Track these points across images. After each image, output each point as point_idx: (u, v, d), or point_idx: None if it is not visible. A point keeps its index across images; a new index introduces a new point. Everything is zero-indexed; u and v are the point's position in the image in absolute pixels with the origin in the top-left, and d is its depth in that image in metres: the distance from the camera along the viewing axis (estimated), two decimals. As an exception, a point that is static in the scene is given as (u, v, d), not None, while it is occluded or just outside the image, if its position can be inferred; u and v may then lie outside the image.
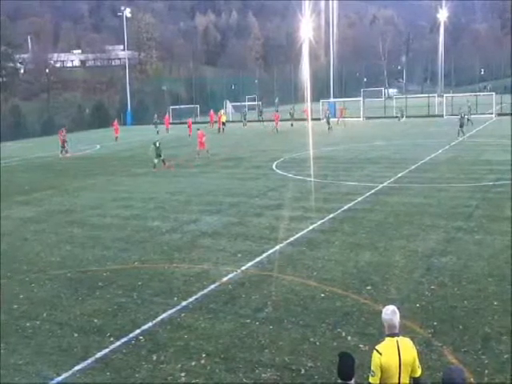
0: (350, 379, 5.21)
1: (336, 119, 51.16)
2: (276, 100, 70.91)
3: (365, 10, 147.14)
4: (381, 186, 21.40)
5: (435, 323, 9.32)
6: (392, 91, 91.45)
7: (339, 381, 5.25)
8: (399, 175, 23.47)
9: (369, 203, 18.70)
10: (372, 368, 5.42)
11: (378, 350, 5.43)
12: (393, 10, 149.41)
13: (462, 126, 36.46)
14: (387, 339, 5.50)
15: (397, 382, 5.42)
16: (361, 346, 8.65)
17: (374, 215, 17.00)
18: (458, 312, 9.74)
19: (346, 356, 5.30)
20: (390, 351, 5.41)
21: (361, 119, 56.31)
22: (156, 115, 58.42)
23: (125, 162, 33.74)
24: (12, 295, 11.80)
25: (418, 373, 5.55)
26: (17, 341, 9.60)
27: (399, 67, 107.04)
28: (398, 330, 5.53)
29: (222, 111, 58.55)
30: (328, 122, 45.86)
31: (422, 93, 78.98)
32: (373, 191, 20.46)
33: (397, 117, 53.63)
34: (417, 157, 28.21)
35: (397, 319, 5.52)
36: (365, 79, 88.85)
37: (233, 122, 61.91)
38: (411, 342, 5.59)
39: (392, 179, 22.61)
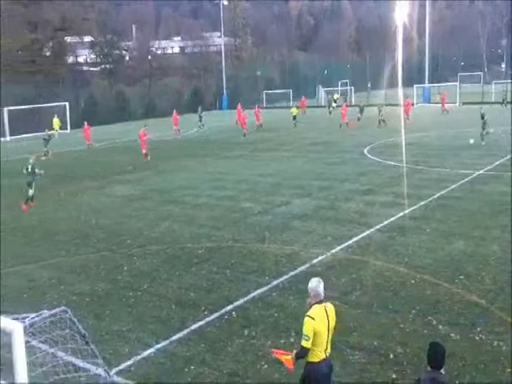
0: (440, 369, 5.27)
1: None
2: (368, 85, 69.36)
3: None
4: (476, 173, 20.71)
5: (531, 316, 9.06)
6: None
7: (429, 369, 5.30)
8: (496, 163, 22.55)
9: (463, 191, 18.20)
10: (305, 333, 5.90)
11: (310, 316, 5.93)
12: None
13: None
14: (316, 306, 6.02)
15: (325, 344, 6.04)
16: (452, 335, 8.58)
17: (467, 203, 16.56)
18: (556, 306, 9.42)
19: (437, 345, 5.36)
20: (320, 317, 5.96)
21: (457, 105, 54.18)
22: (200, 107, 45.84)
23: (217, 144, 34.59)
24: (116, 267, 12.68)
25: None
26: (120, 309, 10.35)
27: (499, 51, 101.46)
28: (323, 298, 6.08)
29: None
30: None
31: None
32: (467, 179, 19.86)
33: (501, 102, 50.28)
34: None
35: (322, 288, 6.07)
36: (462, 63, 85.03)
37: (323, 107, 61.51)
38: (334, 308, 6.18)
39: (488, 167, 21.79)
